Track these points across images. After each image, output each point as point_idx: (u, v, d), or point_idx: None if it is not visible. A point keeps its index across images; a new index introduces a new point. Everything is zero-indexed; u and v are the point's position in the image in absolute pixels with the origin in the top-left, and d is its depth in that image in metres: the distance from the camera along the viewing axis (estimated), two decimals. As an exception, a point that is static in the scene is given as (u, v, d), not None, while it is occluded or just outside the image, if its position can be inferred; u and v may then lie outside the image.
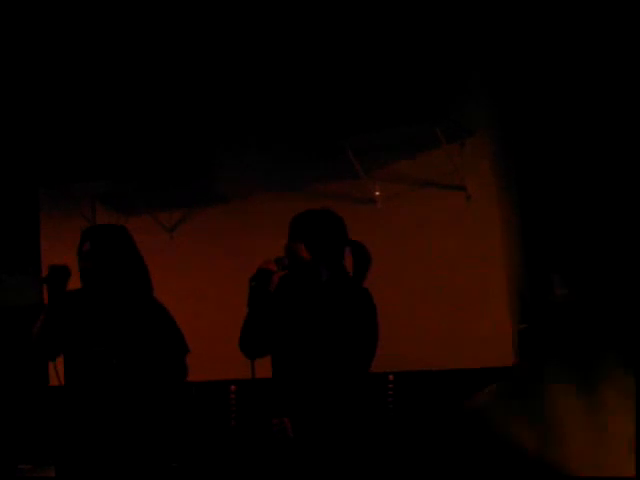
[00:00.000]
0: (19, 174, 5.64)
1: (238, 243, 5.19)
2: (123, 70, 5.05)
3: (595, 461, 0.79)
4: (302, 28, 4.77)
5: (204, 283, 5.30)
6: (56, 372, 3.47)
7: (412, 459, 4.14)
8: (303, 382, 3.19)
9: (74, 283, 3.56)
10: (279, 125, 5.13)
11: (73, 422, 3.43)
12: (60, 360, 3.55)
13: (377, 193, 4.86)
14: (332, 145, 4.80)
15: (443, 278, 4.67)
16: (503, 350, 4.42)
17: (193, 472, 4.90)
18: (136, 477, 3.36)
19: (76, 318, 3.49)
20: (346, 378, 3.18)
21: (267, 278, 3.26)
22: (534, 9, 4.42)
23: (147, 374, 3.41)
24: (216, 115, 5.29)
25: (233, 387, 4.90)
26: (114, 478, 3.35)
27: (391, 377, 4.53)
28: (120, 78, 5.07)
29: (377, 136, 4.66)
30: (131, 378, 3.39)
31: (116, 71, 5.04)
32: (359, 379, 3.23)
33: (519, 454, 0.77)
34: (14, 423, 4.94)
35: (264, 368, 3.36)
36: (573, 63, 4.35)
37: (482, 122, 4.68)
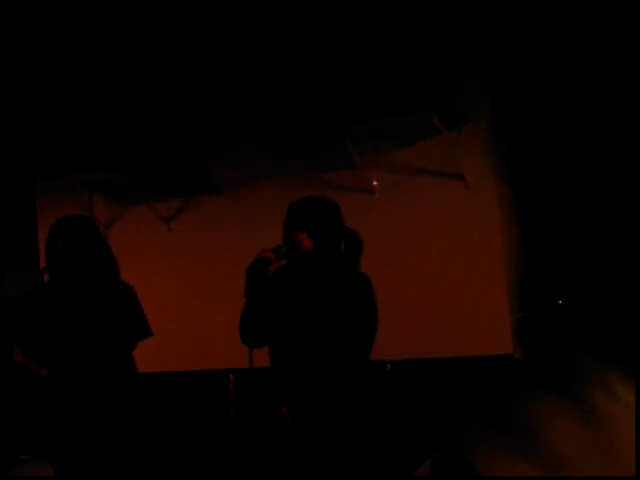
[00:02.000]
0: (16, 166, 5.63)
1: (235, 233, 5.19)
2: (121, 63, 5.03)
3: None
4: (299, 19, 4.75)
5: (202, 273, 5.30)
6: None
7: (409, 448, 4.15)
8: (302, 371, 3.19)
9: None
10: (276, 115, 5.12)
11: (55, 412, 3.54)
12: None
13: (375, 182, 4.86)
14: (330, 135, 4.79)
15: (441, 267, 4.67)
16: (501, 338, 4.43)
17: (192, 461, 4.91)
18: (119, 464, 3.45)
19: (49, 311, 3.60)
20: (346, 366, 3.18)
21: (264, 267, 3.26)
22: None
23: (106, 359, 3.54)
24: (213, 106, 5.28)
25: (232, 376, 4.91)
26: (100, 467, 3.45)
27: (389, 366, 4.54)
28: (118, 71, 5.06)
29: (375, 125, 4.65)
30: (93, 362, 3.52)
31: (114, 64, 5.03)
32: (359, 367, 3.23)
33: None
34: (15, 413, 4.94)
35: (262, 357, 3.37)
36: (568, 52, 4.34)
37: (480, 110, 4.67)
